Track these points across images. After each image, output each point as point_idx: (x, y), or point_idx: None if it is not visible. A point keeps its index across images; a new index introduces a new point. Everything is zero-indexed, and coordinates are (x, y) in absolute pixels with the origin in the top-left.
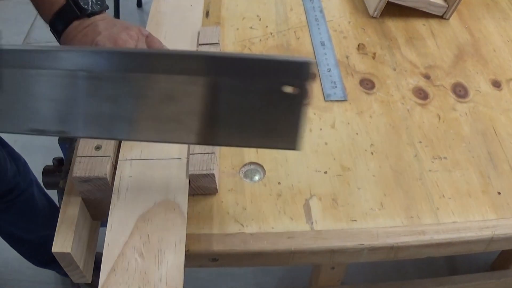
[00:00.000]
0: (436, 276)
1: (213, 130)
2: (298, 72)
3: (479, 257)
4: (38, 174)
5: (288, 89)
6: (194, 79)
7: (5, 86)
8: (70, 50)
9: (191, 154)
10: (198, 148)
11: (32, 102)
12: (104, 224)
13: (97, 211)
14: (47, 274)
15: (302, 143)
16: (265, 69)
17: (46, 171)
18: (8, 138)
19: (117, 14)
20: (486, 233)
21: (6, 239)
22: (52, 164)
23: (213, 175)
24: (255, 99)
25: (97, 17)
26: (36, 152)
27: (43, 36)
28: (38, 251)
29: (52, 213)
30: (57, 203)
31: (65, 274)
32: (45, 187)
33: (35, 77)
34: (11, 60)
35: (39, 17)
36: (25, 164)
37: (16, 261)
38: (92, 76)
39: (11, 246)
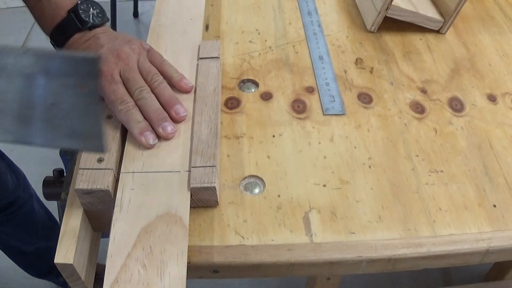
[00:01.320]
0: (431, 286)
1: (25, 129)
2: (85, 70)
3: (473, 268)
4: (34, 185)
5: (81, 88)
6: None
7: None
8: None
9: (192, 167)
10: (199, 161)
11: None
12: (104, 235)
13: (98, 223)
14: (43, 285)
15: (105, 145)
16: (60, 67)
17: (46, 183)
18: (4, 148)
19: (113, 25)
20: (482, 245)
21: (5, 250)
22: (52, 175)
23: (214, 188)
24: (54, 97)
25: (98, 29)
26: (33, 163)
27: (39, 45)
28: (36, 262)
29: (50, 225)
30: (55, 214)
31: (62, 285)
32: (45, 198)
33: None
34: None
35: (36, 26)
36: (24, 177)
37: (12, 270)
38: None
39: (9, 257)
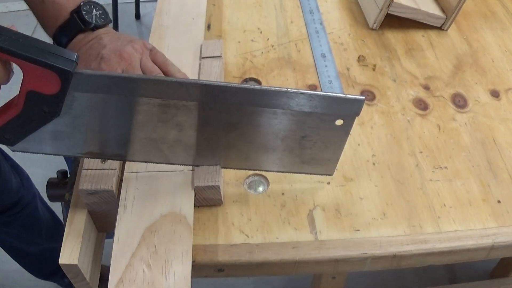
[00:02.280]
0: (436, 284)
1: (266, 158)
2: (351, 107)
3: (479, 265)
4: (38, 186)
5: (339, 122)
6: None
7: (74, 110)
8: (143, 78)
9: (195, 166)
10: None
11: (96, 126)
12: (109, 235)
13: (103, 223)
14: (49, 286)
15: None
16: (323, 104)
17: (50, 184)
18: (8, 150)
19: (115, 26)
20: (487, 241)
21: (9, 252)
22: (56, 176)
23: (218, 187)
24: (308, 130)
25: (101, 30)
26: (36, 165)
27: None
28: (41, 263)
29: (55, 226)
30: (59, 216)
31: (67, 286)
32: (49, 199)
33: (105, 102)
34: (84, 85)
35: (38, 29)
36: (28, 177)
37: (17, 273)
38: (163, 104)
39: (14, 259)
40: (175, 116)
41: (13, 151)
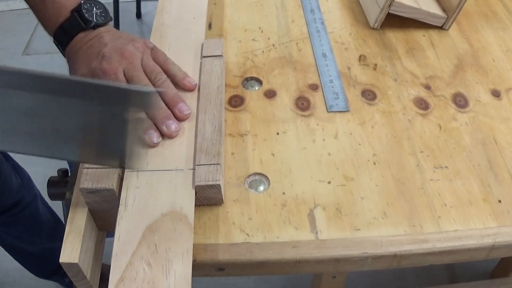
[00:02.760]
0: (436, 284)
1: (64, 146)
2: (141, 101)
3: (479, 264)
4: (38, 185)
5: (131, 115)
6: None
7: None
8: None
9: (196, 165)
10: (204, 159)
11: None
12: (109, 234)
13: (103, 222)
14: (49, 285)
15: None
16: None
17: (51, 183)
18: None
19: (116, 25)
20: (487, 241)
21: (10, 251)
22: (56, 175)
23: (219, 186)
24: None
25: (102, 29)
26: (37, 164)
27: (43, 47)
28: (42, 263)
29: (55, 226)
30: (60, 215)
31: (67, 286)
32: (50, 198)
33: None
34: None
35: (38, 28)
36: (28, 177)
37: (17, 272)
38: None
39: (15, 259)
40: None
41: None
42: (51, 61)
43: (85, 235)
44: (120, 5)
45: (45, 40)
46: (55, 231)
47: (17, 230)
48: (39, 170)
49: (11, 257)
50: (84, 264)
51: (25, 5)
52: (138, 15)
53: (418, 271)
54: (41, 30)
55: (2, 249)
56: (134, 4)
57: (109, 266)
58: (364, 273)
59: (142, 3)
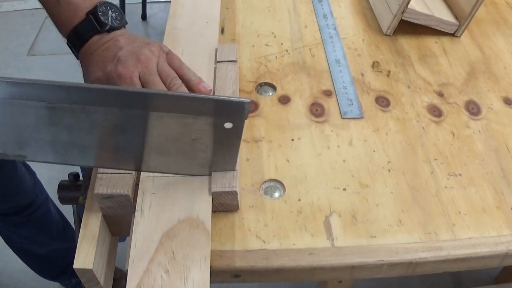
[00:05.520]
0: None
1: (156, 159)
2: (236, 110)
3: (484, 270)
4: (45, 187)
5: (228, 125)
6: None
7: None
8: (33, 84)
9: (213, 171)
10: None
11: None
12: (121, 239)
13: (117, 227)
14: (53, 287)
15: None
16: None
17: (62, 187)
18: None
19: None
20: (501, 249)
21: (18, 252)
22: (66, 179)
23: (235, 192)
24: (197, 133)
25: (117, 32)
26: (43, 166)
27: (48, 47)
28: (49, 264)
29: (64, 227)
30: (67, 216)
31: (73, 287)
32: (60, 202)
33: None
34: None
35: (43, 29)
36: (38, 178)
37: (21, 273)
38: (53, 107)
39: (22, 260)
40: (63, 118)
41: None
42: (56, 62)
43: (99, 241)
44: (126, 7)
45: (50, 41)
46: (64, 232)
47: (29, 231)
48: (44, 171)
49: (15, 259)
50: (98, 269)
51: (30, 6)
52: (144, 17)
53: (422, 277)
54: (46, 31)
55: (8, 251)
56: (140, 6)
57: (120, 269)
58: (369, 278)
59: (148, 5)
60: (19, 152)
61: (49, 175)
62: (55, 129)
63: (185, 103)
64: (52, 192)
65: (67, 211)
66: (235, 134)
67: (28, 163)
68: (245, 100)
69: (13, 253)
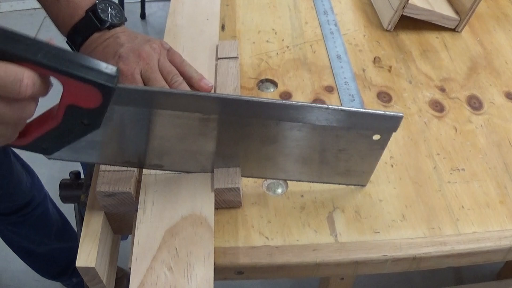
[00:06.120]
0: (443, 285)
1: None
2: (389, 123)
3: (485, 266)
4: (45, 186)
5: (376, 137)
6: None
7: (113, 121)
8: (190, 95)
9: (215, 168)
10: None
11: (134, 137)
12: (123, 237)
13: (119, 225)
14: (55, 287)
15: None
16: (362, 120)
17: (63, 185)
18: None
19: None
20: (505, 243)
21: (17, 252)
22: (67, 177)
23: (238, 188)
24: (345, 144)
25: (118, 29)
26: (41, 165)
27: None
28: (49, 264)
29: (63, 226)
30: (67, 215)
31: (74, 287)
32: (62, 201)
33: (148, 116)
34: (125, 99)
35: (42, 29)
36: (37, 177)
37: (22, 273)
38: (205, 118)
39: (22, 259)
40: (214, 129)
41: (49, 159)
42: None
43: (101, 239)
44: (125, 5)
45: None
46: (63, 231)
47: (27, 230)
48: (44, 171)
49: (16, 259)
50: (101, 268)
51: (28, 6)
52: (143, 16)
53: (424, 273)
54: (45, 31)
55: (7, 251)
56: (139, 5)
57: (121, 268)
58: (370, 275)
59: (147, 4)
60: (157, 162)
61: (49, 175)
62: (203, 140)
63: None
64: (53, 191)
65: (67, 210)
66: (379, 146)
67: (27, 162)
68: (399, 114)
69: (14, 253)
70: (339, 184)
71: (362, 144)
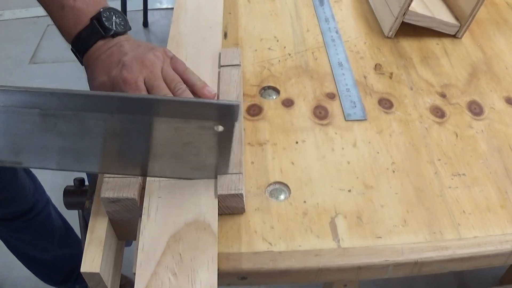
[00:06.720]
0: None
1: (151, 164)
2: (226, 113)
3: (488, 271)
4: (48, 193)
5: (220, 128)
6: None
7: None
8: (25, 91)
9: (219, 174)
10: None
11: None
12: (127, 244)
13: (123, 231)
14: None
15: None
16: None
17: (67, 192)
18: None
19: None
20: (506, 247)
21: (21, 258)
22: (72, 184)
23: (241, 195)
24: (189, 137)
25: (121, 37)
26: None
27: (50, 55)
28: (53, 270)
29: (66, 232)
30: (70, 222)
31: None
32: (66, 207)
33: None
34: None
35: (45, 37)
36: (39, 183)
37: (26, 280)
38: (46, 114)
39: (25, 266)
40: (57, 125)
41: None
42: (58, 70)
43: (105, 245)
44: (127, 14)
45: (52, 49)
46: (67, 238)
47: (30, 236)
48: (46, 177)
49: (19, 265)
50: (105, 273)
51: (31, 14)
52: (145, 24)
53: (427, 278)
54: (48, 38)
55: (11, 258)
56: (141, 13)
57: (125, 276)
58: (373, 281)
59: (149, 12)
60: (14, 159)
61: (53, 182)
62: (49, 136)
63: (180, 108)
64: (56, 198)
65: (70, 217)
66: (226, 137)
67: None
68: (234, 102)
69: (18, 260)
70: (196, 179)
71: (207, 136)
